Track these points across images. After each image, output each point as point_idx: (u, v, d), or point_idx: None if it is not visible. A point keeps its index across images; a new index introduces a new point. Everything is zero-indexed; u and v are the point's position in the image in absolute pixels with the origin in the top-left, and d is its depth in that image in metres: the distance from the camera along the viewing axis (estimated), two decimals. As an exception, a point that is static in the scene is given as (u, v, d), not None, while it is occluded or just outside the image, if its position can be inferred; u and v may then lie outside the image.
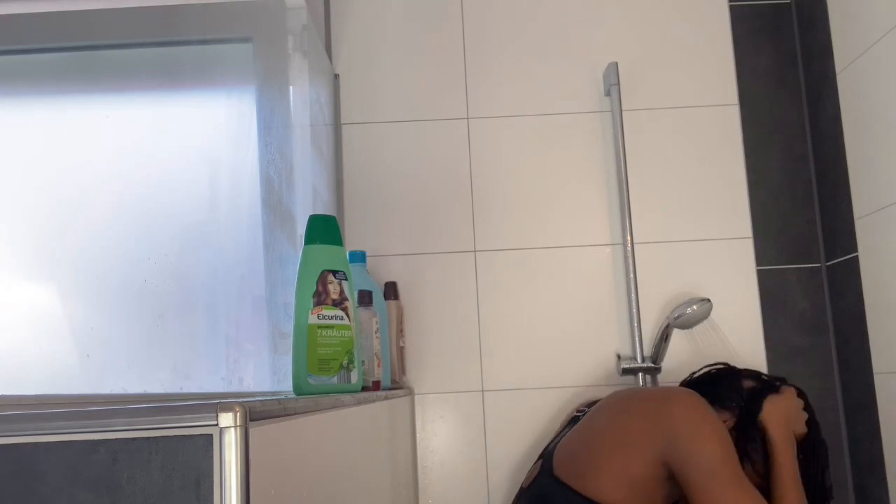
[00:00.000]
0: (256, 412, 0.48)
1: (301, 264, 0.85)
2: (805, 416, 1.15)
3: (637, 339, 1.41)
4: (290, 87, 1.20)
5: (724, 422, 1.11)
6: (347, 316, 0.85)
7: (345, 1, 1.56)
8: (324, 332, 0.83)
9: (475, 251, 1.48)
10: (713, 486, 0.98)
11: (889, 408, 1.28)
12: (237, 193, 1.08)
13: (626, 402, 1.11)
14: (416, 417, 1.44)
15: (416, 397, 1.45)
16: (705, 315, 1.38)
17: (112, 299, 0.98)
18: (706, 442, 1.00)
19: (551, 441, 1.22)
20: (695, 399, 1.06)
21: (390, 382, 1.28)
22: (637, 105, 1.51)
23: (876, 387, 1.30)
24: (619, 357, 1.44)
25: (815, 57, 1.47)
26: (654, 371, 1.40)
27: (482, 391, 1.44)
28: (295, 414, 0.59)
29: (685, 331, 1.43)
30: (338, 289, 0.85)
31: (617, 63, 1.47)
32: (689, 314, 1.37)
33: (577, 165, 1.51)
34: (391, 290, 1.38)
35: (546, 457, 1.15)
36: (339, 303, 0.84)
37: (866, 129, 1.31)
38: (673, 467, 1.01)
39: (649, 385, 1.40)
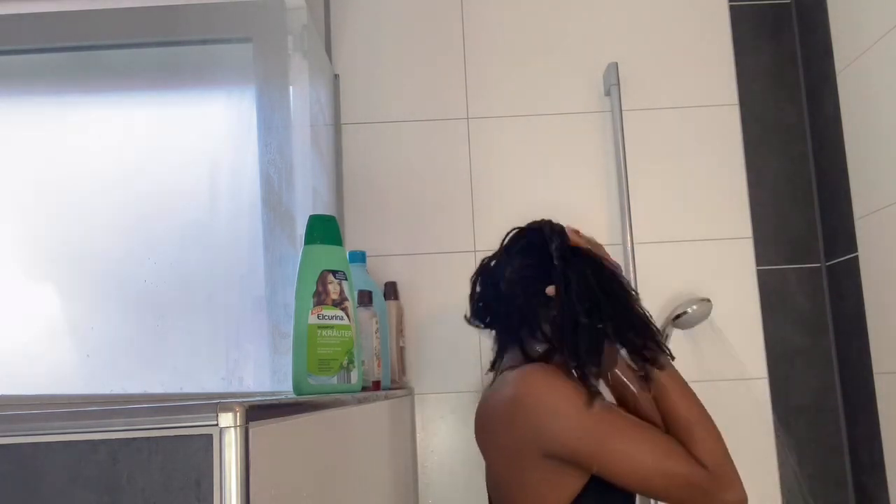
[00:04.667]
0: (256, 412, 0.48)
1: (301, 264, 0.85)
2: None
3: (637, 339, 1.41)
4: (290, 87, 1.20)
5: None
6: (347, 316, 0.85)
7: (345, 1, 1.56)
8: (324, 332, 0.83)
9: (475, 251, 1.48)
10: (607, 454, 0.90)
11: (889, 408, 1.28)
12: (237, 193, 1.08)
13: (485, 425, 1.05)
14: (416, 417, 1.44)
15: (416, 397, 1.45)
16: (705, 315, 1.38)
17: (112, 299, 0.98)
18: (567, 420, 0.91)
19: None
20: (534, 383, 0.95)
21: (390, 382, 1.28)
22: (637, 105, 1.51)
23: (876, 387, 1.30)
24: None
25: (815, 57, 1.47)
26: (654, 371, 1.40)
27: (482, 391, 1.44)
28: (295, 414, 0.59)
29: (685, 331, 1.43)
30: (338, 289, 0.85)
31: (617, 63, 1.47)
32: (689, 314, 1.37)
33: (577, 165, 1.51)
34: (391, 290, 1.38)
35: None
36: (339, 303, 0.84)
37: (866, 129, 1.31)
38: (560, 457, 0.93)
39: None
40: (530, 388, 0.95)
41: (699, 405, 0.98)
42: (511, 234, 1.08)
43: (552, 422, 0.92)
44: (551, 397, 0.93)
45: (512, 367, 1.02)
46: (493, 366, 1.10)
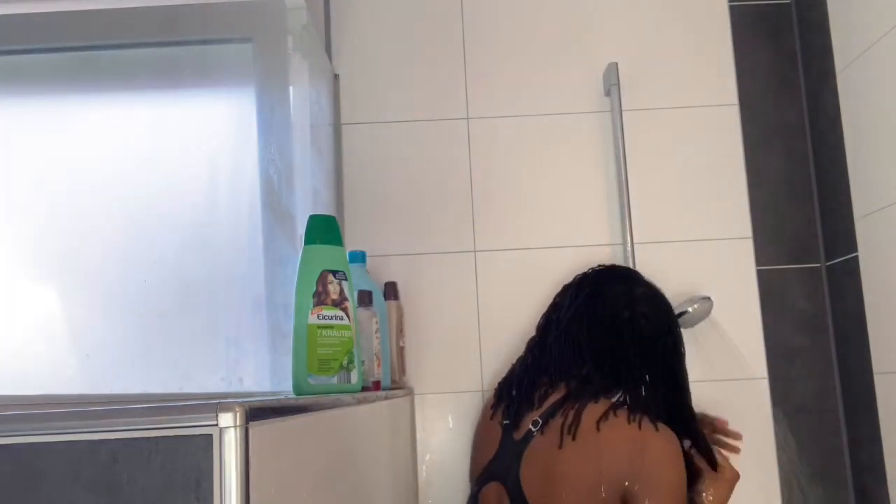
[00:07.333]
0: (256, 412, 0.48)
1: (301, 264, 0.85)
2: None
3: (637, 339, 1.41)
4: (290, 87, 1.20)
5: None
6: (347, 316, 0.85)
7: (345, 1, 1.56)
8: (324, 332, 0.83)
9: (475, 251, 1.48)
10: None
11: (889, 408, 1.28)
12: (237, 193, 1.08)
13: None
14: (416, 417, 1.44)
15: (416, 397, 1.45)
16: (706, 314, 1.38)
17: (112, 299, 0.98)
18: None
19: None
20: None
21: (390, 382, 1.28)
22: (637, 105, 1.51)
23: (876, 387, 1.30)
24: (619, 357, 1.44)
25: (815, 57, 1.47)
26: (654, 371, 1.39)
27: (482, 391, 1.44)
28: (295, 414, 0.59)
29: (686, 330, 1.43)
30: (338, 289, 0.85)
31: (617, 63, 1.47)
32: (690, 313, 1.37)
33: (577, 165, 1.51)
34: (391, 290, 1.38)
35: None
36: (339, 303, 0.84)
37: (866, 129, 1.31)
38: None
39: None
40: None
41: None
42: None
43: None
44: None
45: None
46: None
